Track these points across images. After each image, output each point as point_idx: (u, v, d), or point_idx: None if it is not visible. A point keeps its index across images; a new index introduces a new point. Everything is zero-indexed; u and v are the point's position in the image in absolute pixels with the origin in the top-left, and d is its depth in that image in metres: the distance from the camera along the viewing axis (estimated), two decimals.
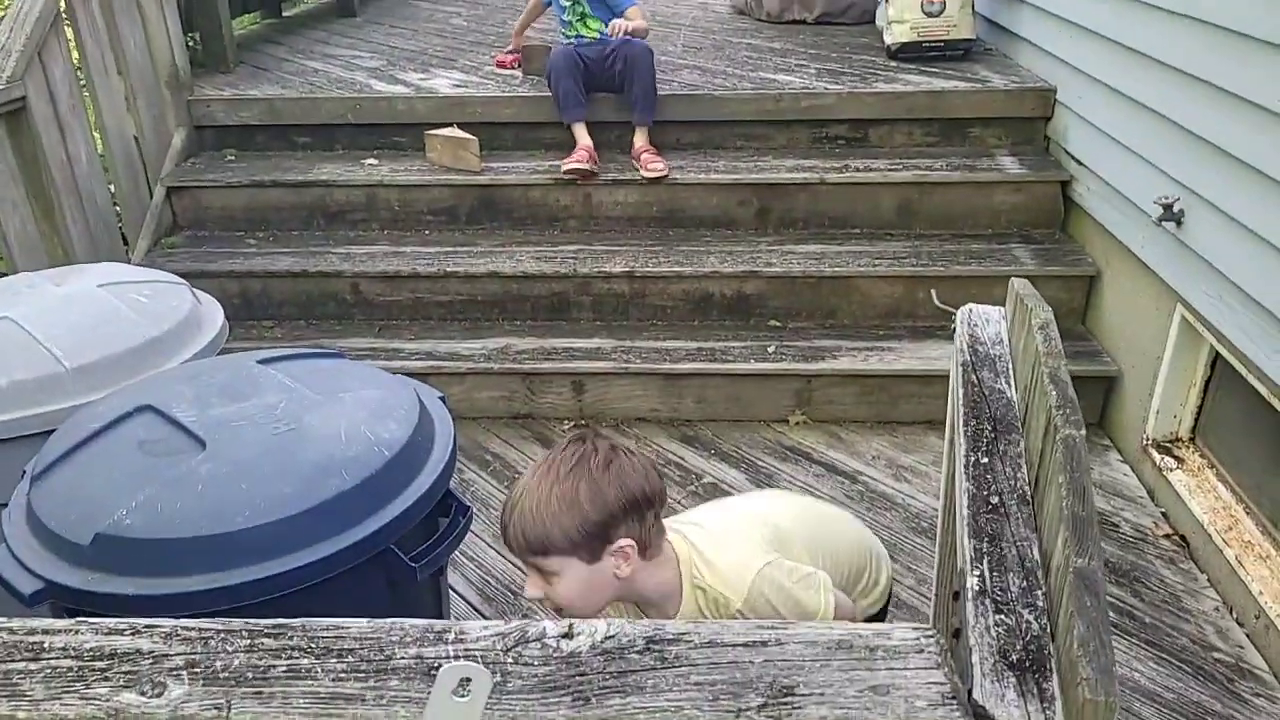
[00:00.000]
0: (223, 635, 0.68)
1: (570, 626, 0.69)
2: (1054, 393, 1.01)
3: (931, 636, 0.68)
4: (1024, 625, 0.81)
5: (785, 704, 0.63)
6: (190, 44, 3.85)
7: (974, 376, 1.26)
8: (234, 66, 3.97)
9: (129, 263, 3.11)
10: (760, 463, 2.80)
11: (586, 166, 3.24)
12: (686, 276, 3.12)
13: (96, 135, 3.13)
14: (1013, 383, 1.25)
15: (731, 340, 3.06)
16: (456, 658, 0.66)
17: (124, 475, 1.28)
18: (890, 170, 3.30)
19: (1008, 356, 1.31)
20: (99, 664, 0.67)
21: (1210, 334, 2.40)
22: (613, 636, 0.68)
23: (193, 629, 0.69)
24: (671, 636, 0.68)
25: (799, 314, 3.15)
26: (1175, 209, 2.46)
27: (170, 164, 3.44)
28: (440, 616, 1.61)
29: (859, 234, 3.29)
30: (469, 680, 0.60)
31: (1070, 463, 0.89)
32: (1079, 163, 3.13)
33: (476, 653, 0.67)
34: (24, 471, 1.39)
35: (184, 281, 1.96)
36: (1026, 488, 1.02)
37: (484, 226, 3.40)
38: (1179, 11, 2.45)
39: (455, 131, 3.37)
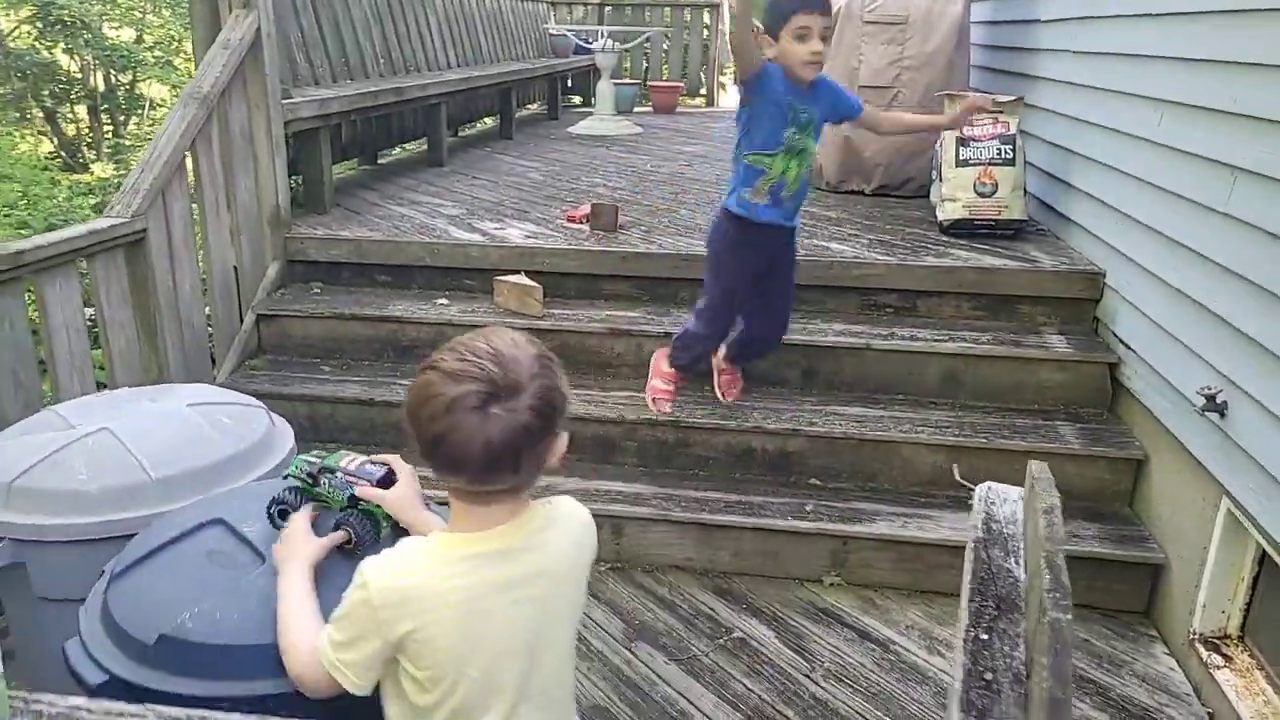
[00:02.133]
0: None
1: None
2: (1048, 577, 1.07)
3: None
4: None
5: None
6: (293, 186, 4.24)
7: (984, 553, 1.32)
8: (330, 208, 4.34)
9: (214, 381, 3.35)
10: (791, 621, 2.80)
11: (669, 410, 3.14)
12: (730, 430, 3.22)
13: (201, 264, 3.44)
14: (1022, 563, 1.31)
15: (770, 496, 3.11)
16: None
17: (191, 582, 1.40)
18: (936, 340, 3.40)
19: (1019, 537, 1.36)
20: None
21: (1255, 530, 2.39)
22: None
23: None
24: None
25: (839, 475, 3.20)
26: (1218, 400, 2.50)
27: (263, 293, 3.74)
28: None
29: (903, 400, 3.37)
30: None
31: (1054, 645, 0.95)
32: (1127, 346, 3.20)
33: None
34: (104, 571, 1.52)
35: (262, 405, 2.14)
36: (1022, 667, 1.06)
37: None
38: (1215, 209, 2.57)
39: (522, 279, 3.61)
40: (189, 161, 3.27)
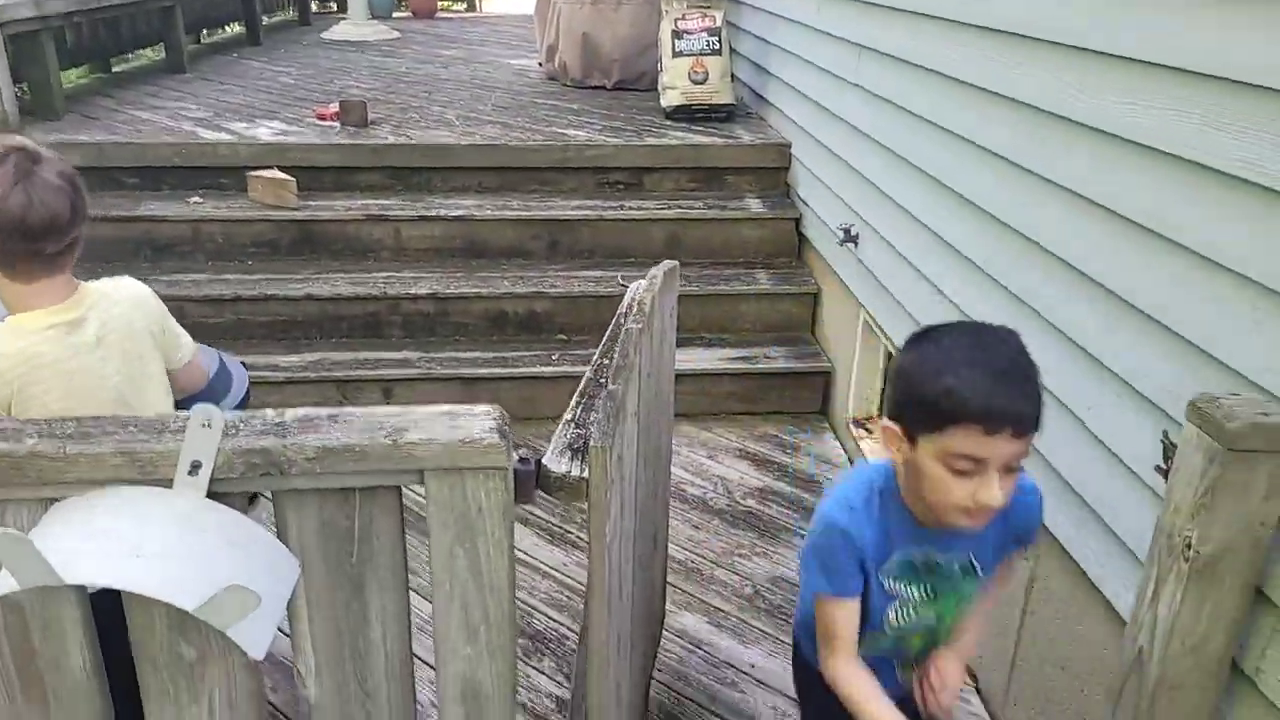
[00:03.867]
0: (60, 423, 1.12)
1: (283, 411, 1.17)
2: (635, 310, 1.57)
3: (498, 410, 1.20)
4: (586, 436, 1.34)
5: (403, 432, 1.13)
6: (19, 94, 4.11)
7: (622, 320, 1.81)
8: (62, 115, 4.24)
9: None
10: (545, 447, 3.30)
11: None
12: (485, 297, 3.63)
13: None
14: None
15: (523, 351, 3.57)
16: None
17: None
18: (659, 210, 3.94)
19: (639, 307, 1.87)
20: None
21: (881, 334, 3.10)
22: (308, 413, 1.16)
23: (43, 421, 1.13)
24: (346, 413, 1.17)
25: (583, 329, 3.70)
26: (852, 232, 3.19)
27: None
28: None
29: (634, 262, 3.90)
30: (211, 419, 1.07)
31: (624, 340, 1.45)
32: (804, 203, 3.87)
33: (227, 418, 1.13)
34: None
35: None
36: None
37: (303, 257, 3.81)
38: (847, 79, 3.21)
39: (275, 173, 3.79)
40: None
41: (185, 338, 1.70)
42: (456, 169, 4.03)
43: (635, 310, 1.61)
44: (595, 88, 5.38)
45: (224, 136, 4.01)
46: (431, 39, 7.53)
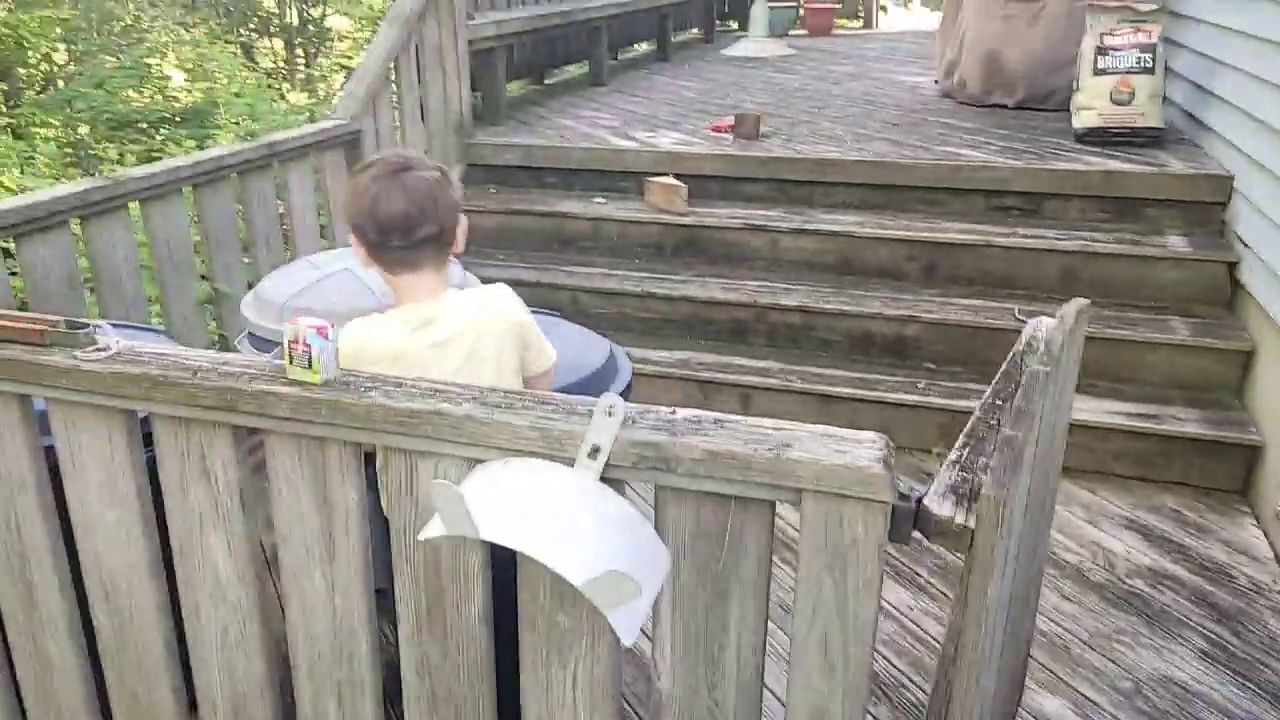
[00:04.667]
0: (488, 391, 1.27)
1: (675, 410, 1.22)
2: (1041, 348, 1.41)
3: (883, 438, 1.14)
4: (973, 482, 1.24)
5: (786, 447, 1.12)
6: (473, 100, 4.80)
7: (1019, 358, 1.66)
8: (504, 120, 4.89)
9: None
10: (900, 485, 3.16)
11: None
12: (853, 315, 3.56)
13: None
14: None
15: (885, 375, 3.45)
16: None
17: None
18: (1058, 239, 3.59)
19: (1046, 348, 1.70)
20: (430, 393, 1.27)
21: None
22: (697, 415, 1.20)
23: (476, 388, 1.28)
24: (731, 418, 1.19)
25: (953, 360, 3.49)
26: None
27: None
28: None
29: (1020, 295, 3.60)
30: (614, 406, 1.14)
31: (1029, 381, 1.31)
32: (1246, 246, 3.30)
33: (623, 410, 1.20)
34: None
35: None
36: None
37: (685, 260, 4.02)
38: None
39: (669, 179, 4.03)
40: (392, 74, 3.86)
41: (549, 349, 1.75)
42: (839, 184, 4.00)
43: (1042, 351, 1.46)
44: (995, 106, 5.05)
45: (629, 144, 4.36)
46: (826, 55, 7.58)
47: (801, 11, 9.56)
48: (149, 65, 7.89)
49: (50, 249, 2.49)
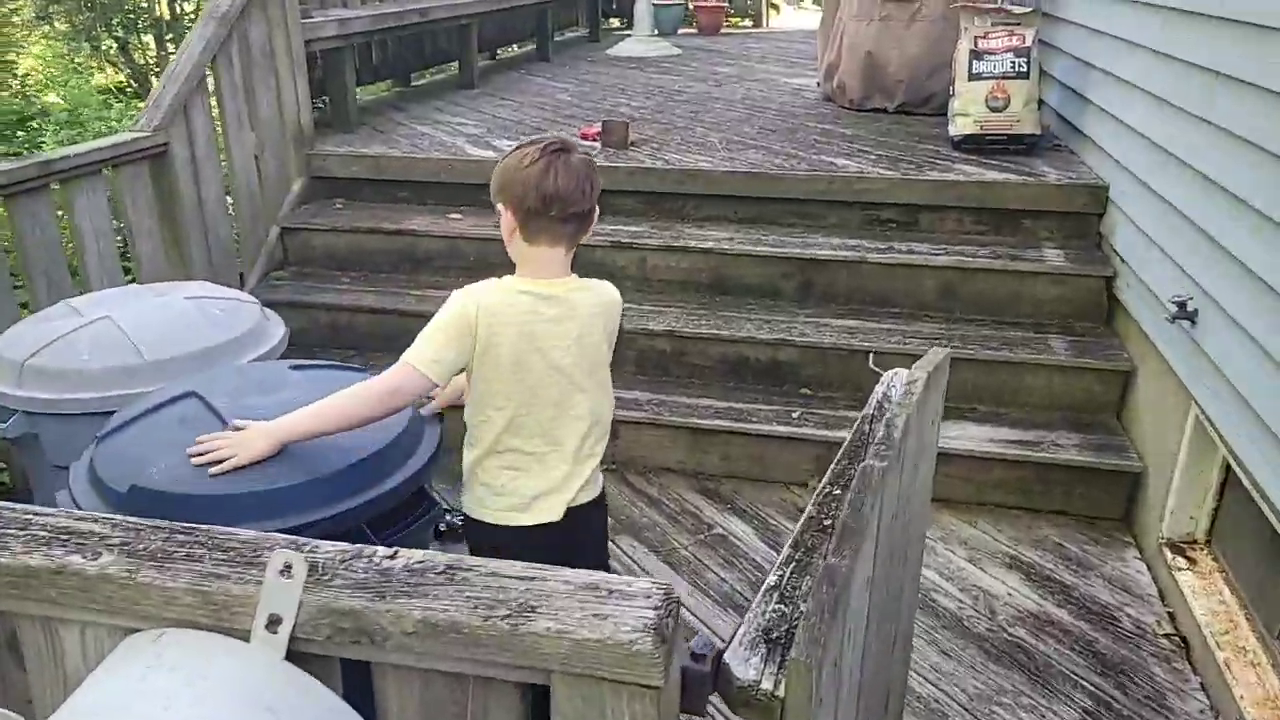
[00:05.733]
0: (149, 529, 0.94)
1: (396, 552, 0.91)
2: (882, 432, 1.17)
3: (662, 589, 0.87)
4: (791, 619, 0.98)
5: (529, 614, 0.83)
6: (320, 106, 4.39)
7: (866, 426, 1.41)
8: (356, 127, 4.48)
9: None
10: (771, 520, 2.94)
11: None
12: (725, 340, 3.32)
13: (226, 179, 3.63)
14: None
15: (760, 404, 3.22)
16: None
17: (162, 443, 1.59)
18: (933, 254, 3.43)
19: (887, 429, 1.46)
20: (63, 536, 0.93)
21: (1219, 438, 2.42)
22: (421, 561, 0.90)
23: (131, 524, 0.95)
24: (466, 564, 0.89)
25: (830, 384, 3.28)
26: (1188, 307, 2.51)
27: (286, 208, 3.93)
28: None
29: (897, 314, 3.42)
30: (290, 566, 0.83)
31: (860, 485, 1.05)
32: (1122, 259, 3.18)
33: (319, 559, 0.89)
34: (95, 437, 1.72)
35: (256, 300, 2.31)
36: None
37: None
38: (1197, 115, 2.54)
39: None
40: (210, 80, 3.43)
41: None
42: (710, 196, 3.77)
43: (883, 434, 1.20)
44: (875, 110, 4.91)
45: (488, 154, 4.02)
46: (712, 55, 7.37)
47: (691, 9, 9.35)
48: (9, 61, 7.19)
49: None
